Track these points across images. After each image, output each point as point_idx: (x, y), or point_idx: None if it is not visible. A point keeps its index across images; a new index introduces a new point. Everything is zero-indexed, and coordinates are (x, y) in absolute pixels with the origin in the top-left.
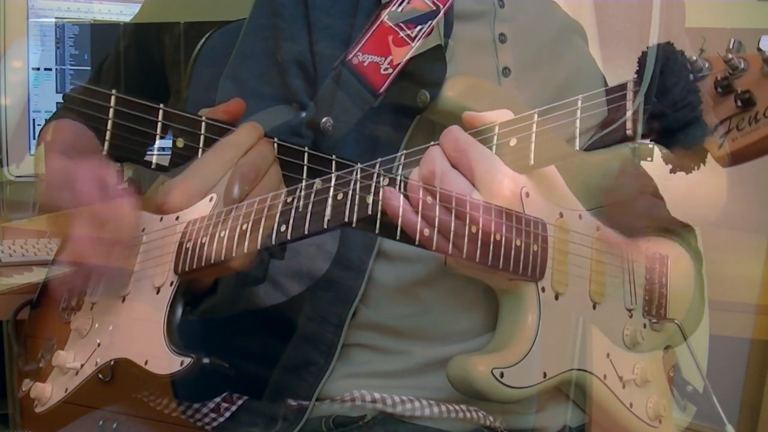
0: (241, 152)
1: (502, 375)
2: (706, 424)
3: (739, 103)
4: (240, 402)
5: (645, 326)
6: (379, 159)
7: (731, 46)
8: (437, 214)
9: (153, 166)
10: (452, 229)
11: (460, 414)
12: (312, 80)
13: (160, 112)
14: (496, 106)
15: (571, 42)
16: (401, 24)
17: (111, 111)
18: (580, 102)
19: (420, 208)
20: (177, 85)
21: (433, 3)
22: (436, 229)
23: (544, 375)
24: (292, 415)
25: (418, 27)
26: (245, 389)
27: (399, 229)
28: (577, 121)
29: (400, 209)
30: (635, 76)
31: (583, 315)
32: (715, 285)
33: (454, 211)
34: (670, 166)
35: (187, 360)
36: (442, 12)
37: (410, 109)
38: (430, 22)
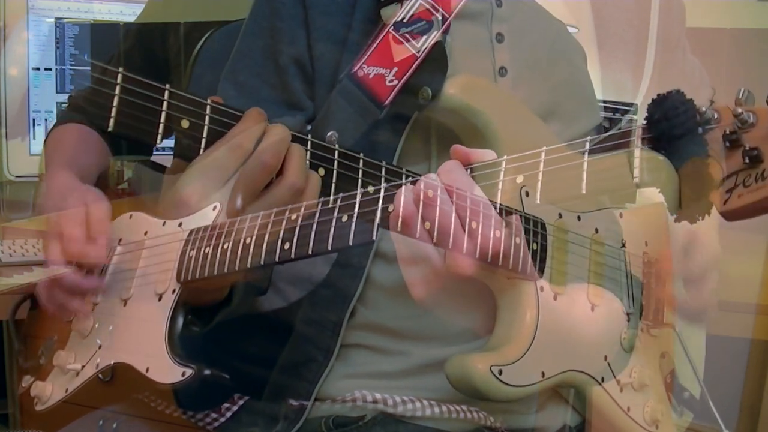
0: (253, 142)
1: (500, 372)
2: (706, 424)
3: (747, 160)
4: (241, 402)
5: (642, 330)
6: (383, 185)
7: (740, 96)
8: (437, 209)
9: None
10: (452, 224)
11: (461, 414)
12: (310, 80)
13: (166, 92)
14: (496, 105)
15: (566, 49)
16: (406, 35)
17: (117, 88)
18: (588, 144)
19: (420, 204)
20: (179, 86)
21: (441, 14)
22: (436, 224)
23: (543, 374)
24: (292, 415)
25: (423, 37)
26: (246, 390)
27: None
28: (585, 164)
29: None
30: (644, 122)
31: (581, 316)
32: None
33: (454, 206)
34: (674, 216)
35: (189, 371)
36: (449, 20)
37: (411, 106)
38: (435, 31)
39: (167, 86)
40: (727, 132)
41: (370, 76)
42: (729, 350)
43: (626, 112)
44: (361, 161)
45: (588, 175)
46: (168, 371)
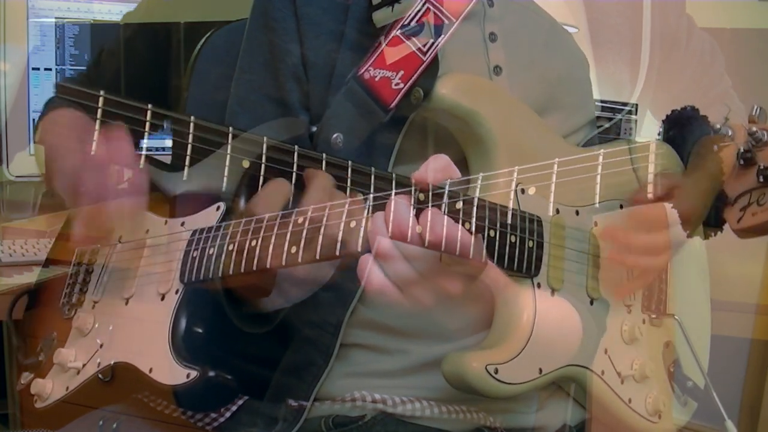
0: None
1: (496, 371)
2: (707, 425)
3: (761, 179)
4: (240, 402)
5: (644, 321)
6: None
7: (754, 113)
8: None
9: (141, 166)
10: (445, 227)
11: (461, 414)
12: (306, 92)
13: (149, 112)
14: (489, 102)
15: (561, 45)
16: (412, 38)
17: (99, 111)
18: (601, 157)
19: (411, 209)
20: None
21: (446, 17)
22: (428, 228)
23: (540, 371)
24: (291, 416)
25: (430, 41)
26: (246, 390)
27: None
28: (598, 177)
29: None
30: (658, 137)
31: (580, 311)
32: (715, 285)
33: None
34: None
35: (193, 373)
36: (455, 24)
37: (407, 108)
38: (442, 36)
39: (149, 106)
40: (742, 150)
41: (376, 79)
42: (729, 350)
43: (626, 112)
44: (349, 169)
45: (594, 180)
46: (172, 372)
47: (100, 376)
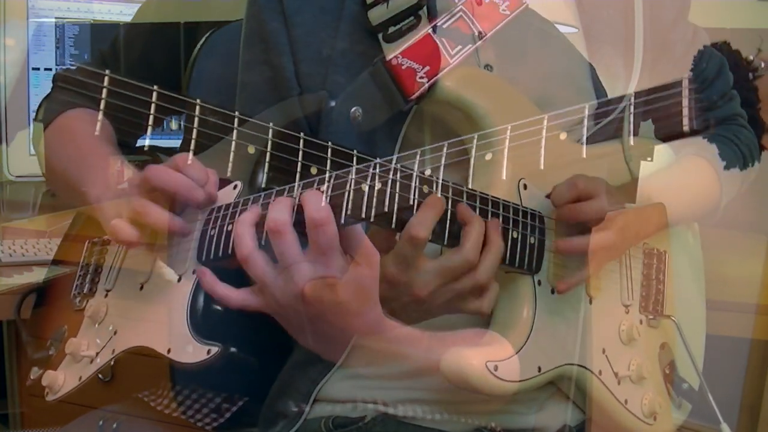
0: None
1: (496, 368)
2: (705, 424)
3: None
4: (241, 402)
5: (641, 322)
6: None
7: None
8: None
9: (146, 148)
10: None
11: (461, 416)
12: (301, 101)
13: (155, 93)
14: (491, 95)
15: (553, 40)
16: (444, 39)
17: (104, 91)
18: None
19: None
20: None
21: (476, 28)
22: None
23: (539, 369)
24: (292, 416)
25: (458, 46)
26: (247, 390)
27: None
28: (632, 116)
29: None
30: (690, 73)
31: (579, 309)
32: (715, 285)
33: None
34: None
35: (214, 349)
36: (486, 36)
37: (407, 100)
38: (469, 45)
39: (155, 87)
40: None
41: (403, 68)
42: (729, 350)
43: (621, 110)
44: (354, 158)
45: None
46: (192, 351)
47: (100, 376)
